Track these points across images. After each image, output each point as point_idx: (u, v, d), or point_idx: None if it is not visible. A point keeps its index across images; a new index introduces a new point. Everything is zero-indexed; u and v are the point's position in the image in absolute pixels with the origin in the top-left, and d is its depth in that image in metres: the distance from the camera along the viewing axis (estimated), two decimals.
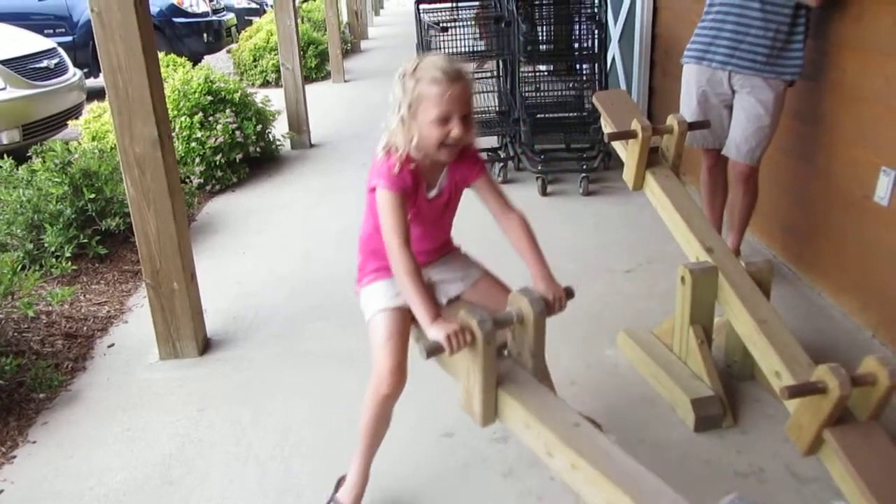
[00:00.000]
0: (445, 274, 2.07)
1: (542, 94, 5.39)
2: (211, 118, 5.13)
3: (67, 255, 3.57)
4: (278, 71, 7.75)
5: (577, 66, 5.61)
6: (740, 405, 2.54)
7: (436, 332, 1.67)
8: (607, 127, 2.90)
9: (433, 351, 1.68)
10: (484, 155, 5.24)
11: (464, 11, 5.54)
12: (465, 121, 1.77)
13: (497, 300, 1.96)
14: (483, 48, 5.57)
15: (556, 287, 1.85)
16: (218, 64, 10.48)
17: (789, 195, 3.51)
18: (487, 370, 1.72)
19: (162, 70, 2.89)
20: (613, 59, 5.99)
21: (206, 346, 3.06)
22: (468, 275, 2.08)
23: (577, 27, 5.23)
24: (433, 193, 1.92)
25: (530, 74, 5.33)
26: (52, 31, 8.52)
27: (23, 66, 5.89)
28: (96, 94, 6.80)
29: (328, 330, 3.14)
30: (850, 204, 3.03)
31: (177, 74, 5.35)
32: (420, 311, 1.73)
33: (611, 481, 1.49)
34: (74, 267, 3.51)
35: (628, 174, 2.80)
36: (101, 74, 2.61)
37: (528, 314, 1.74)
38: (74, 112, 6.33)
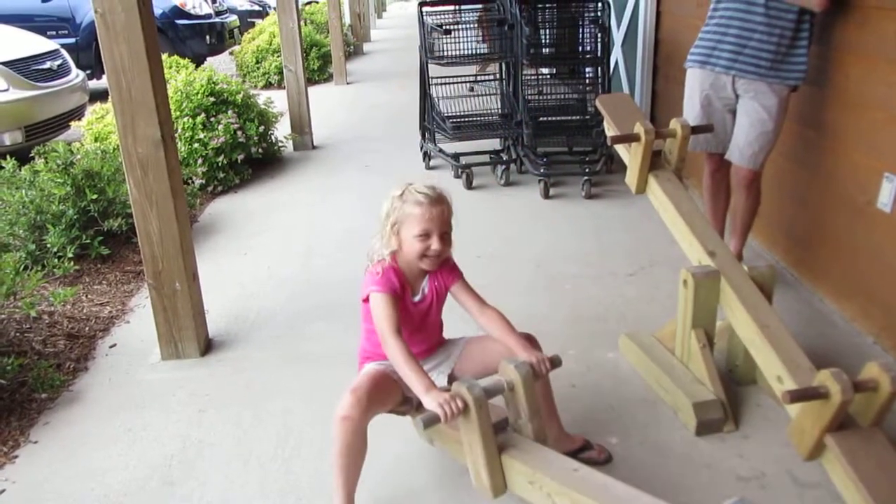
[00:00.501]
0: (432, 362, 2.23)
1: (544, 97, 5.40)
2: (213, 119, 5.14)
3: (70, 255, 3.58)
4: (281, 73, 7.76)
5: (580, 70, 5.63)
6: (742, 409, 2.54)
7: (430, 401, 1.80)
8: (610, 130, 2.91)
9: (430, 421, 1.78)
10: (486, 158, 5.27)
11: (467, 14, 5.56)
12: (443, 237, 2.02)
13: (489, 353, 2.12)
14: (486, 51, 5.57)
15: (539, 354, 2.01)
16: (221, 66, 10.50)
17: (792, 200, 3.51)
18: (486, 435, 1.82)
19: (165, 71, 2.90)
20: (616, 62, 5.99)
21: (207, 346, 3.06)
22: (451, 353, 2.25)
23: (580, 31, 5.24)
24: (417, 298, 2.14)
25: (533, 77, 5.34)
26: (55, 32, 8.53)
27: (26, 68, 5.90)
28: (99, 96, 6.81)
29: (330, 331, 3.15)
30: (853, 209, 3.03)
31: (179, 76, 5.36)
32: (414, 383, 1.87)
33: None
34: (77, 267, 3.51)
35: (631, 178, 2.80)
36: (105, 76, 2.62)
37: (516, 380, 1.86)
38: (77, 113, 6.34)
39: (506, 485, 1.88)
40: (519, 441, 1.90)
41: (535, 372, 1.93)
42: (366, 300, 2.05)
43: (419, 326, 2.17)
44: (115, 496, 2.25)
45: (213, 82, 5.32)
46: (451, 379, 2.19)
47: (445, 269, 2.15)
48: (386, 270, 2.03)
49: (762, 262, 3.38)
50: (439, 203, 2.02)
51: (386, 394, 2.07)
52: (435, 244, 2.01)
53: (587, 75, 5.43)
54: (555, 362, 2.00)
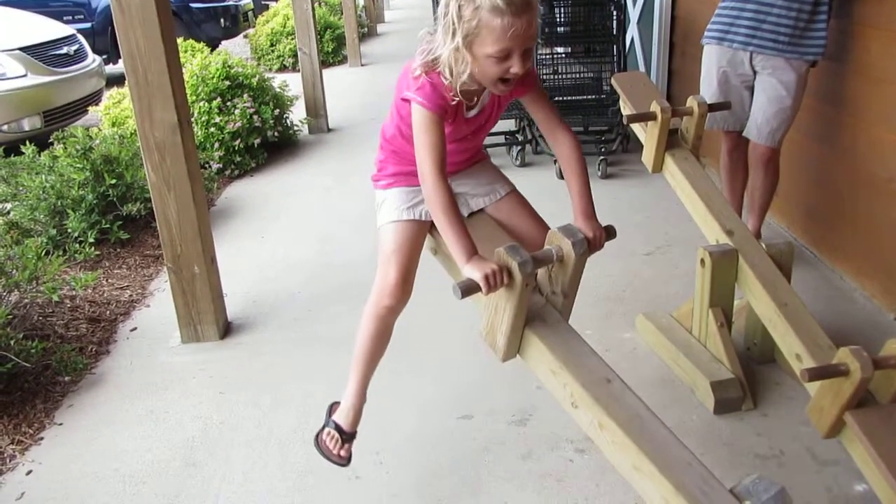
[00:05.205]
0: (471, 186, 1.99)
1: (559, 76, 5.36)
2: (229, 103, 5.15)
3: (90, 240, 3.61)
4: (295, 55, 7.76)
5: (596, 49, 5.58)
6: (760, 388, 2.53)
7: (471, 272, 1.57)
8: (626, 109, 2.88)
9: (468, 290, 1.58)
10: (501, 138, 5.24)
11: None
12: (525, 55, 1.59)
13: (521, 220, 1.93)
14: None
15: (597, 225, 1.77)
16: (235, 49, 10.52)
17: (811, 177, 3.47)
18: (520, 311, 1.65)
19: (180, 56, 2.91)
20: (632, 40, 5.94)
21: (226, 329, 3.09)
22: (494, 189, 2.01)
23: (595, 9, 5.19)
24: (473, 113, 1.80)
25: (548, 57, 5.30)
26: (70, 17, 8.56)
27: (43, 53, 5.93)
28: (115, 81, 6.84)
29: (348, 313, 3.16)
30: (873, 186, 2.99)
31: (195, 60, 5.37)
32: (455, 248, 1.62)
33: (639, 447, 1.44)
34: (97, 252, 3.55)
35: (647, 156, 2.78)
36: (121, 60, 2.63)
37: (569, 255, 1.65)
38: (94, 98, 6.38)
39: (518, 352, 1.74)
40: (550, 315, 1.72)
41: (591, 247, 1.70)
42: (405, 100, 1.70)
43: (467, 137, 1.85)
44: (138, 476, 2.28)
45: (229, 66, 5.33)
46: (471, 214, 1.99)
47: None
48: (441, 86, 1.65)
49: (780, 240, 3.35)
50: (527, 10, 1.53)
51: (419, 252, 1.88)
52: (516, 66, 1.58)
53: (603, 54, 5.37)
54: (611, 234, 1.80)
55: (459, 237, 1.62)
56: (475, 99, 1.78)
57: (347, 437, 2.06)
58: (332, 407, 2.11)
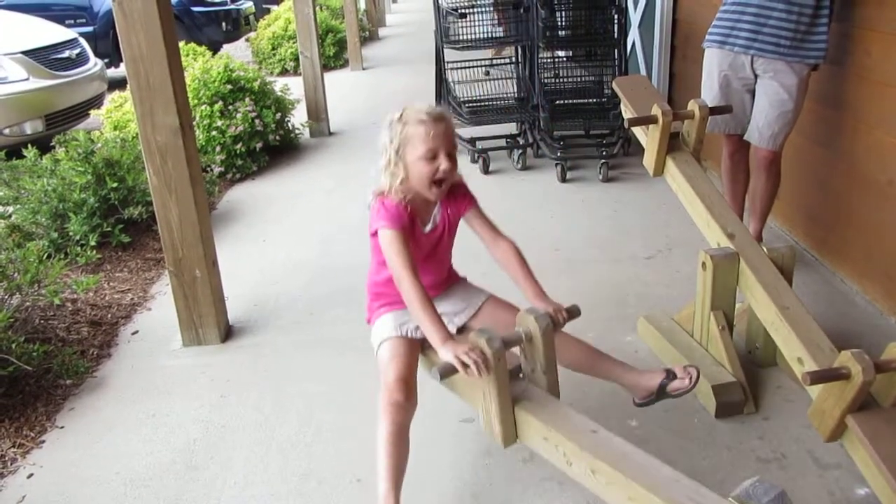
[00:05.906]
0: (449, 306, 2.17)
1: (561, 80, 5.36)
2: (231, 107, 5.16)
3: (92, 243, 3.62)
4: (297, 59, 7.77)
5: (597, 52, 5.58)
6: (762, 391, 2.53)
7: (446, 353, 1.76)
8: (627, 112, 2.89)
9: (446, 372, 1.75)
10: (503, 142, 5.25)
11: None
12: (450, 157, 1.93)
13: (504, 321, 2.06)
14: (501, 34, 5.54)
15: (555, 304, 1.96)
16: (237, 53, 10.52)
17: (812, 180, 3.47)
18: (502, 388, 1.80)
19: (182, 59, 2.92)
20: (633, 44, 5.94)
21: (228, 332, 3.09)
22: (471, 304, 2.19)
23: (596, 12, 5.20)
24: (428, 228, 2.06)
25: (549, 60, 5.31)
26: (72, 21, 8.56)
27: (45, 57, 5.95)
28: (117, 84, 6.86)
29: (349, 316, 3.16)
30: (874, 189, 2.99)
31: (196, 63, 5.38)
32: (431, 333, 1.83)
33: (629, 479, 1.54)
34: (98, 255, 3.55)
35: (648, 160, 2.79)
36: (123, 64, 2.64)
37: (535, 331, 1.82)
38: (96, 102, 6.39)
39: (517, 435, 1.87)
40: (533, 393, 1.87)
41: (554, 323, 1.88)
42: (374, 234, 1.97)
43: (429, 256, 2.10)
44: (139, 480, 2.28)
45: (230, 70, 5.33)
46: (460, 329, 2.16)
47: (458, 194, 2.08)
48: (392, 204, 1.94)
49: (782, 244, 3.35)
50: (442, 120, 1.93)
51: (415, 362, 2.05)
52: (444, 164, 1.91)
53: (604, 57, 5.38)
54: (573, 313, 1.96)
55: (433, 323, 1.83)
56: (428, 215, 2.05)
57: None
58: None
